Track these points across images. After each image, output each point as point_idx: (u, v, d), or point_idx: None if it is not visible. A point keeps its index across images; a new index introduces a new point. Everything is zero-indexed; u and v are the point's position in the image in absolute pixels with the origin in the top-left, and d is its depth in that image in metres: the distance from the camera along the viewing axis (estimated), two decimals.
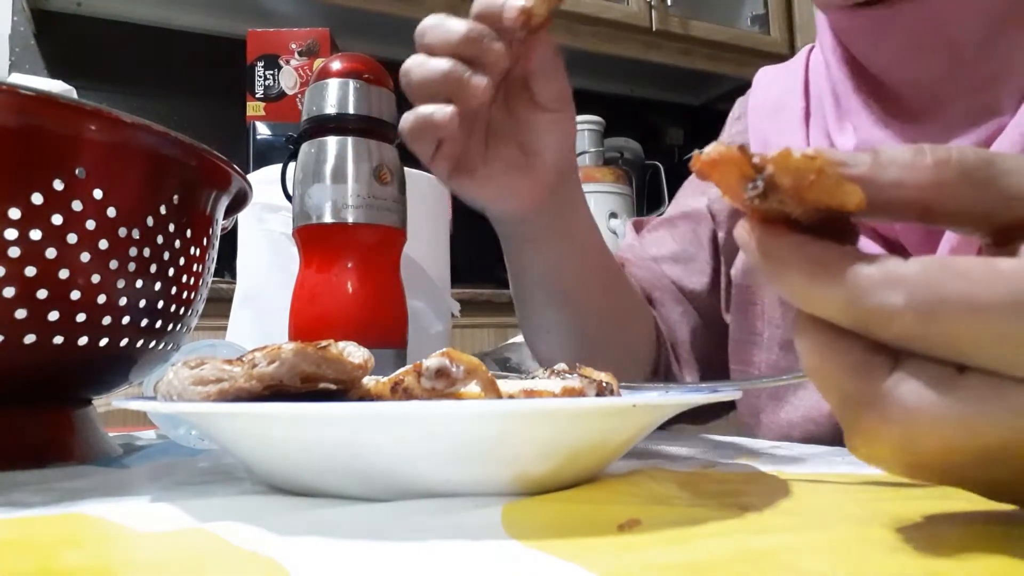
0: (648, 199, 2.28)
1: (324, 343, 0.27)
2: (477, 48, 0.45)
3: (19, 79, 1.00)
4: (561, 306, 0.57)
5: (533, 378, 0.35)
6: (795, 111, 0.57)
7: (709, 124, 2.59)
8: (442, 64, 0.45)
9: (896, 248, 0.48)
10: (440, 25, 0.45)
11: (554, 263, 0.56)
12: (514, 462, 0.26)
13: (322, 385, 0.27)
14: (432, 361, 0.27)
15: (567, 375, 0.33)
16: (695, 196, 0.67)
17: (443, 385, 0.27)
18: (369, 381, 0.28)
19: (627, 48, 2.24)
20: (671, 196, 2.38)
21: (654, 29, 2.24)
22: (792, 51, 2.40)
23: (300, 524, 0.23)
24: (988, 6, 0.44)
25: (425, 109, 0.45)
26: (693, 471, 0.33)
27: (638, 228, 0.72)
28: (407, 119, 0.46)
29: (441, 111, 0.45)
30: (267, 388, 0.26)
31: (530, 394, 0.30)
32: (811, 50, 0.61)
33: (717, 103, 2.63)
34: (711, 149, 0.19)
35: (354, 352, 0.28)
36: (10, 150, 0.33)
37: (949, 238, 0.44)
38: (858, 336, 0.19)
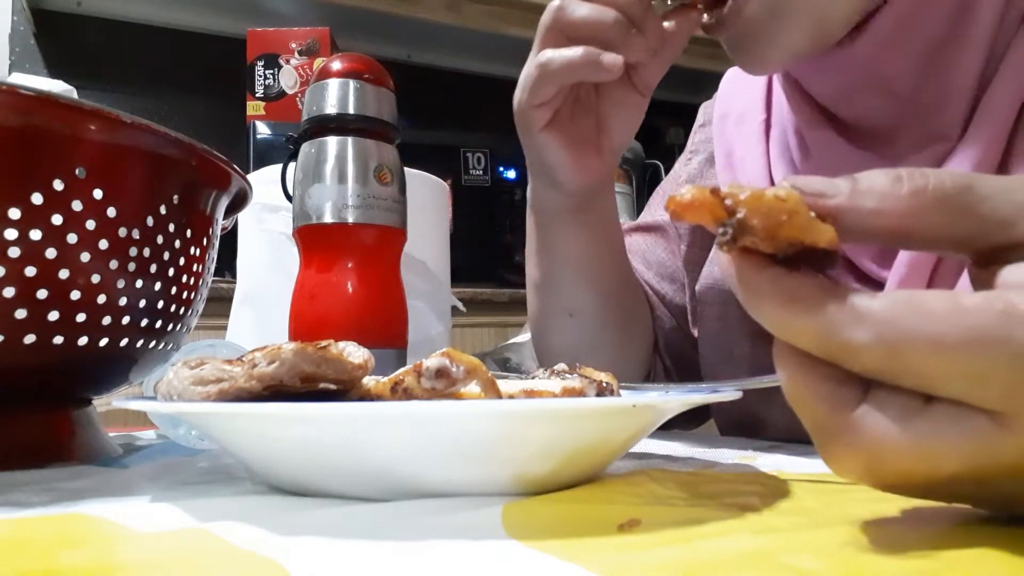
0: (648, 198, 2.28)
1: (324, 343, 0.27)
2: (623, 31, 0.46)
3: (19, 79, 1.00)
4: (588, 286, 0.59)
5: (533, 378, 0.35)
6: (756, 123, 0.57)
7: None
8: (610, 12, 0.46)
9: (852, 268, 0.48)
10: None
11: (590, 240, 0.57)
12: (514, 462, 0.26)
13: (322, 385, 0.27)
14: (432, 361, 0.27)
15: (567, 375, 0.33)
16: (662, 208, 0.68)
17: (443, 385, 0.27)
18: (369, 381, 0.28)
19: None
20: None
21: None
22: None
23: (300, 524, 0.23)
24: (915, 45, 0.45)
25: (593, 49, 0.46)
26: (693, 471, 0.33)
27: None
28: (567, 54, 0.46)
29: (612, 57, 0.45)
30: (267, 388, 0.26)
31: (530, 394, 0.30)
32: None
33: None
34: (685, 192, 0.19)
35: (354, 352, 0.28)
36: (10, 150, 0.33)
37: (904, 258, 0.45)
38: (831, 366, 0.19)
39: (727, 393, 0.32)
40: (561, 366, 0.35)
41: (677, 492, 0.28)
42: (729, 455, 0.40)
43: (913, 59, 0.45)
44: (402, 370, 0.28)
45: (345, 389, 0.28)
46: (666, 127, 2.53)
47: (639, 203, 2.20)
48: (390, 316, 0.53)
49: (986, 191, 0.20)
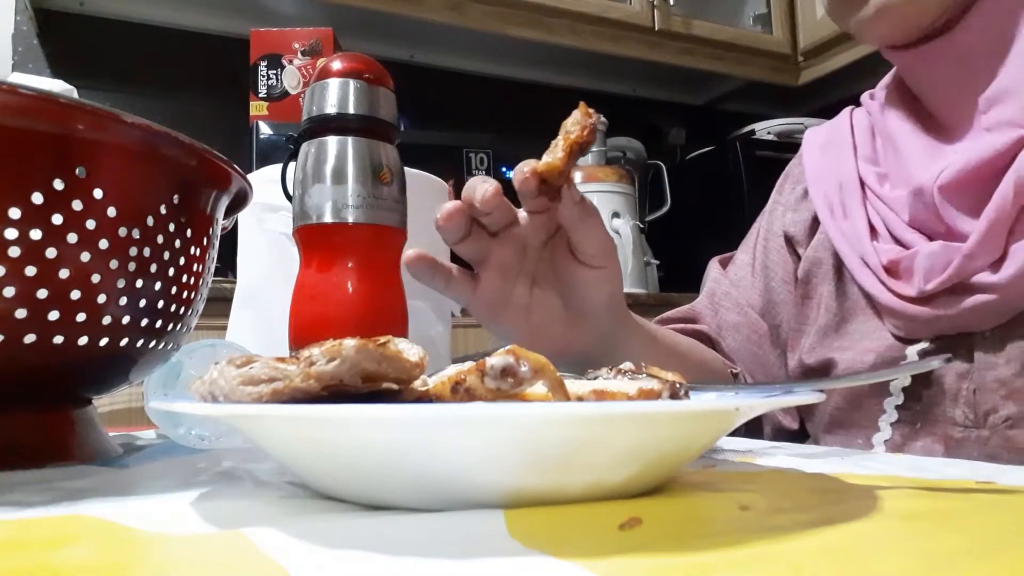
0: (650, 199, 2.28)
1: (383, 339, 0.25)
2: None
3: (21, 79, 1.00)
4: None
5: (595, 378, 0.33)
6: (844, 145, 0.63)
7: (711, 124, 2.58)
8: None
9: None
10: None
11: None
12: (592, 469, 0.24)
13: (385, 385, 0.25)
14: (497, 359, 0.25)
15: (636, 375, 0.31)
16: (761, 240, 0.70)
17: (509, 385, 0.25)
18: None
19: (629, 48, 2.24)
20: (673, 196, 2.35)
21: (656, 29, 2.24)
22: (795, 50, 2.40)
23: (301, 524, 0.23)
24: (1000, 29, 0.50)
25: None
26: (693, 471, 0.33)
27: (723, 266, 0.75)
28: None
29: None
30: (326, 388, 0.24)
31: (601, 395, 0.28)
32: (852, 111, 0.67)
33: (719, 103, 2.62)
34: None
35: (408, 349, 0.26)
36: (10, 150, 0.33)
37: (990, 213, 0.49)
38: None
39: (807, 395, 0.30)
40: (628, 365, 0.33)
41: (677, 492, 0.28)
42: (729, 455, 0.40)
43: (992, 46, 0.51)
44: (463, 368, 0.26)
45: (402, 389, 0.26)
46: (668, 127, 2.53)
47: (641, 203, 2.20)
48: (390, 316, 0.53)
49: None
